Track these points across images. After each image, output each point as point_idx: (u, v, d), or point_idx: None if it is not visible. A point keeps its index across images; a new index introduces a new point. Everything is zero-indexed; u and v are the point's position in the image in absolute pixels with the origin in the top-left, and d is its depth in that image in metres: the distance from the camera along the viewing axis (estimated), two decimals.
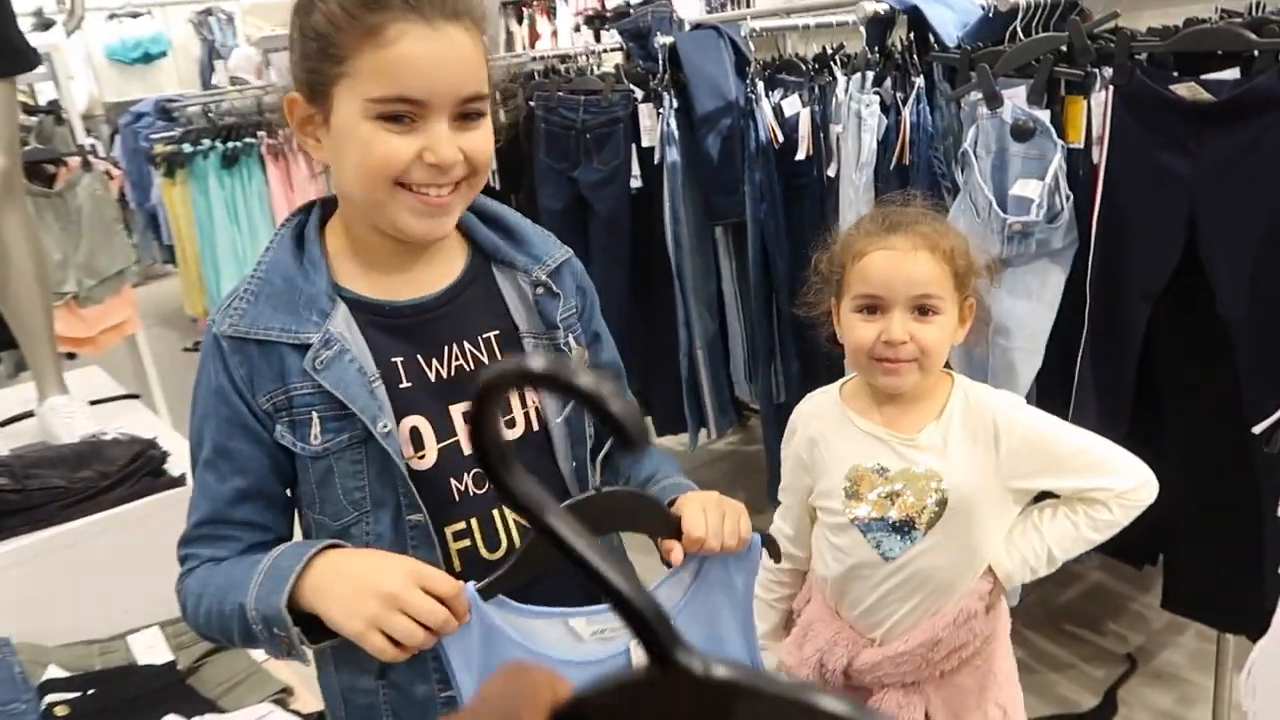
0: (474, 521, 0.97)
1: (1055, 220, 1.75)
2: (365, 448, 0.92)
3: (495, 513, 0.98)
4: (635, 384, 3.00)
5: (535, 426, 1.01)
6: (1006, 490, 1.23)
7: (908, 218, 1.23)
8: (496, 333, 0.99)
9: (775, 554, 1.05)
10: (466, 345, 0.98)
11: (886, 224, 1.23)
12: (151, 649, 1.58)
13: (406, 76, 0.84)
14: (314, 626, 0.86)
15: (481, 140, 0.90)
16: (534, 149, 2.86)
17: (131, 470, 1.69)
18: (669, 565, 0.97)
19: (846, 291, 1.25)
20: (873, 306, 1.21)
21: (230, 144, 4.08)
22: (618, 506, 0.94)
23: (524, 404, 1.00)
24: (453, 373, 0.97)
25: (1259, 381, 1.60)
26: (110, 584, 1.65)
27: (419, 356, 0.95)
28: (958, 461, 1.21)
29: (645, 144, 2.65)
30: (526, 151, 2.94)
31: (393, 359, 0.94)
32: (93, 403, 2.16)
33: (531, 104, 2.86)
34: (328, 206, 0.99)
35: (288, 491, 0.98)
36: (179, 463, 1.77)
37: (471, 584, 0.88)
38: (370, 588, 0.82)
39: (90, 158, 3.28)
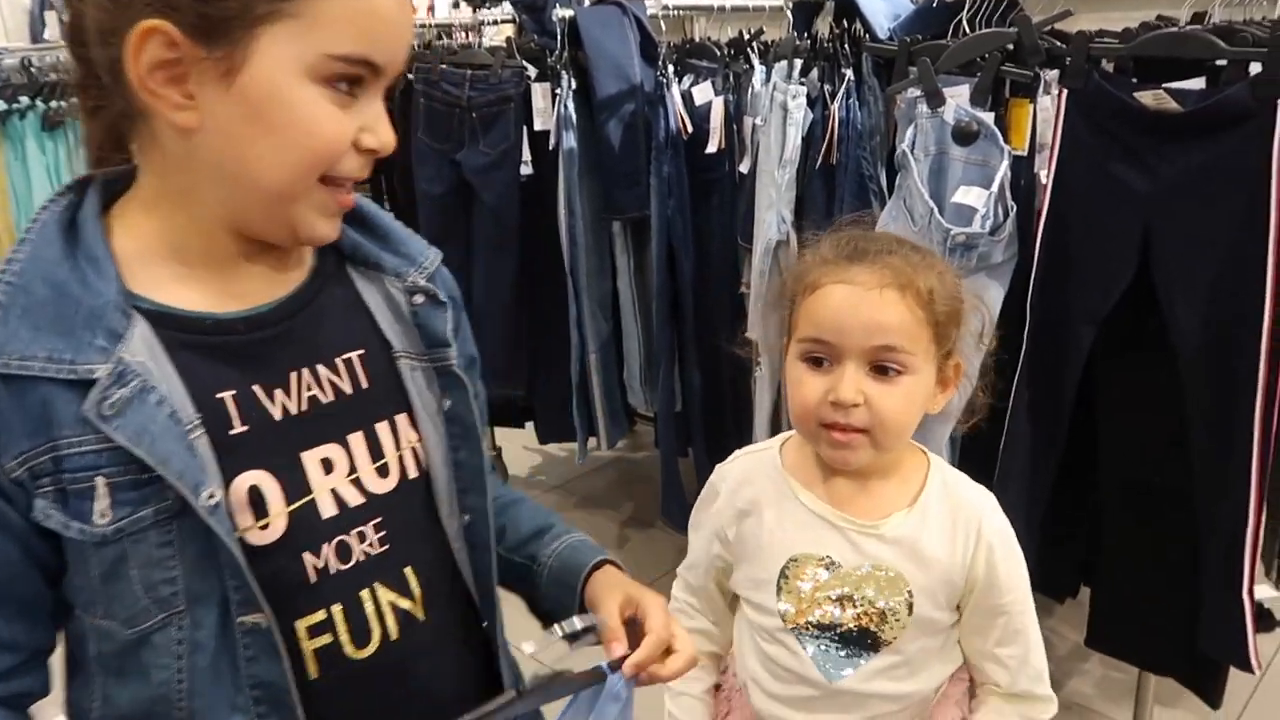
0: (336, 610, 0.73)
1: (997, 232, 1.61)
2: (178, 524, 0.66)
3: (364, 594, 0.74)
4: (520, 388, 2.77)
5: (413, 473, 0.78)
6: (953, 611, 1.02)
7: (877, 244, 0.97)
8: (361, 352, 0.77)
9: None
10: (321, 370, 0.74)
11: (850, 250, 0.97)
12: None
13: (381, 32, 0.66)
14: None
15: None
16: (411, 126, 2.56)
17: None
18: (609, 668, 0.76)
19: (794, 332, 0.99)
20: (820, 356, 0.95)
21: (53, 104, 3.57)
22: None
23: (397, 444, 0.78)
24: (304, 406, 0.73)
25: (1206, 418, 1.50)
26: None
27: (256, 388, 0.71)
28: (932, 565, 0.97)
29: (538, 127, 2.41)
30: (401, 129, 2.64)
31: (218, 394, 0.69)
32: None
33: (410, 77, 2.56)
34: (112, 186, 0.73)
35: (52, 584, 0.70)
36: None
37: None
38: None
39: None
